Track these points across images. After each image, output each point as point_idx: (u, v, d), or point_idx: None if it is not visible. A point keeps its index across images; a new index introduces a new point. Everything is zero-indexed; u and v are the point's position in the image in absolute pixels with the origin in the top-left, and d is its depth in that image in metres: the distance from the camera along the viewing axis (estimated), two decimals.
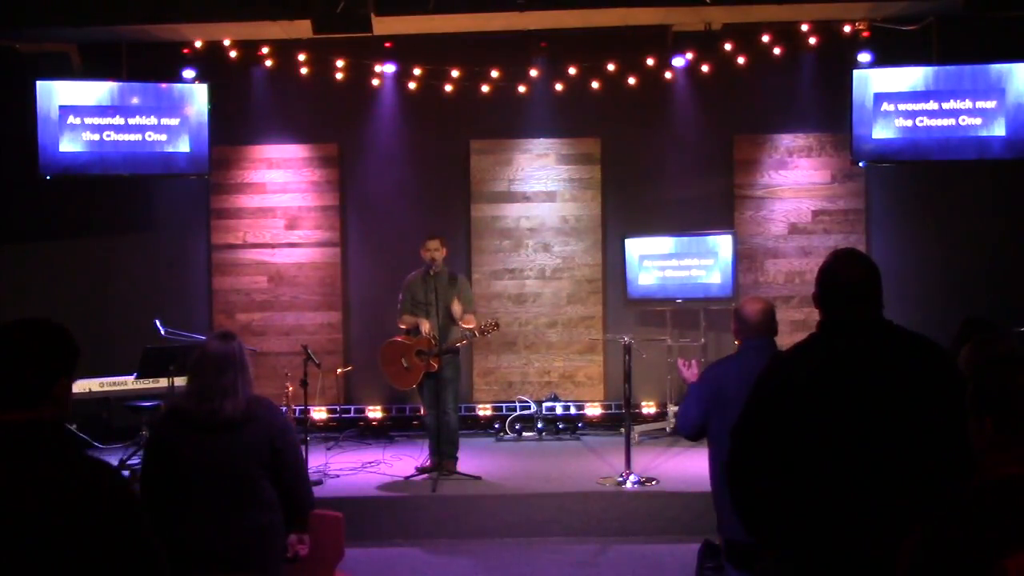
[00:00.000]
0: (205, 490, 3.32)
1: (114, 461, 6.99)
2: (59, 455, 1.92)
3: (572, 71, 8.38)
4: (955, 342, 4.26)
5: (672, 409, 8.45)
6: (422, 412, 7.58)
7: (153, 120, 8.05)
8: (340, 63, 8.37)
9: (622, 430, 6.98)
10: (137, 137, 8.03)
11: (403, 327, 7.09)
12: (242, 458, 3.36)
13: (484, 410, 8.76)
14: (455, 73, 8.38)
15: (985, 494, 1.81)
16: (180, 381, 6.61)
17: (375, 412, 8.73)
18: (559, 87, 8.48)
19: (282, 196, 8.89)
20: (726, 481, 2.59)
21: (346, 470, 7.17)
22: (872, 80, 7.82)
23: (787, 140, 8.71)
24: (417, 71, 8.42)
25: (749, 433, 2.53)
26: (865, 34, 7.97)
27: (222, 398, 3.33)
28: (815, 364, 2.50)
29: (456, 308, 6.88)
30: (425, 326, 6.84)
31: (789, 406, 2.45)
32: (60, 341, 2.00)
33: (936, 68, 7.81)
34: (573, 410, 8.67)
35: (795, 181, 8.69)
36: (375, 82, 8.54)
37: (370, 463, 7.36)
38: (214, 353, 3.40)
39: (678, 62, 8.10)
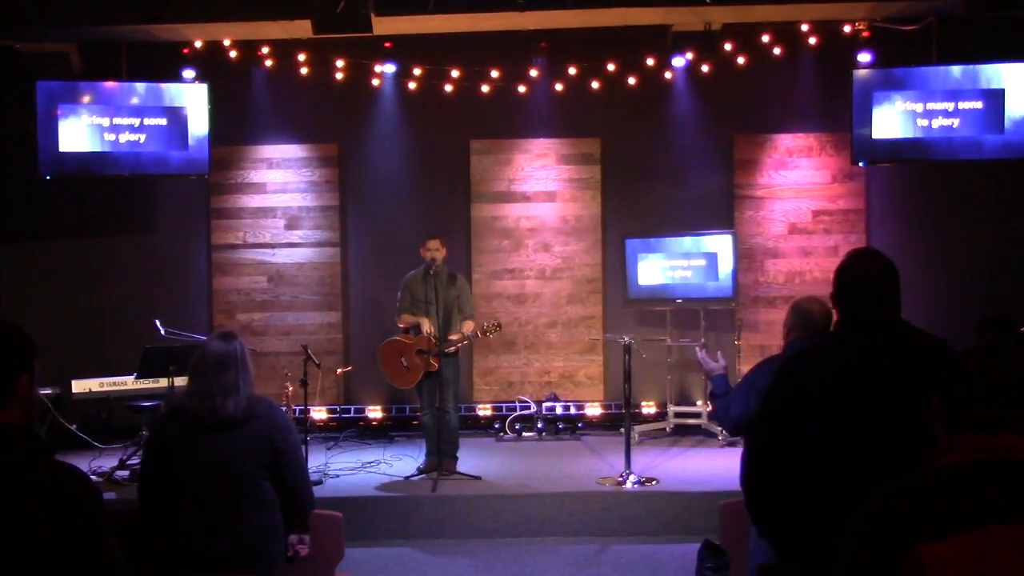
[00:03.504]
0: (206, 490, 3.31)
1: (114, 461, 6.99)
2: (29, 459, 1.90)
3: (572, 71, 8.38)
4: (976, 341, 4.24)
5: (672, 409, 8.45)
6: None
7: (153, 120, 8.05)
8: (340, 63, 8.37)
9: (622, 430, 6.97)
10: (137, 137, 8.03)
11: (402, 326, 7.09)
12: (243, 457, 3.36)
13: (484, 410, 8.76)
14: (455, 73, 8.38)
15: (918, 480, 1.86)
16: (180, 381, 6.60)
17: (375, 412, 8.73)
18: (559, 87, 8.48)
19: (282, 196, 8.89)
20: (740, 479, 2.58)
21: (346, 470, 7.17)
22: (872, 80, 7.82)
23: (787, 140, 8.71)
24: (417, 71, 8.42)
25: (765, 432, 2.51)
26: (865, 34, 7.97)
27: (223, 397, 3.34)
28: (833, 364, 2.49)
29: (465, 326, 6.96)
30: (426, 325, 6.84)
31: (806, 405, 2.44)
32: (17, 339, 1.95)
33: (936, 68, 7.81)
34: (573, 410, 8.67)
35: (795, 181, 8.69)
36: (375, 82, 8.54)
37: (370, 463, 7.36)
38: (215, 352, 3.40)
39: (678, 62, 8.10)
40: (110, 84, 8.01)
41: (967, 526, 1.74)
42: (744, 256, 8.57)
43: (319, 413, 8.58)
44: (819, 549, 2.39)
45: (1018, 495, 1.77)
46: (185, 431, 3.35)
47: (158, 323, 7.51)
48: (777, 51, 8.14)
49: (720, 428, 7.65)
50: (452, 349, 6.90)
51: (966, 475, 1.82)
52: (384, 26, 7.26)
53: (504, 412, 8.68)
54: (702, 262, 8.31)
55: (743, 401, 3.71)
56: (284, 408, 7.81)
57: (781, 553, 2.56)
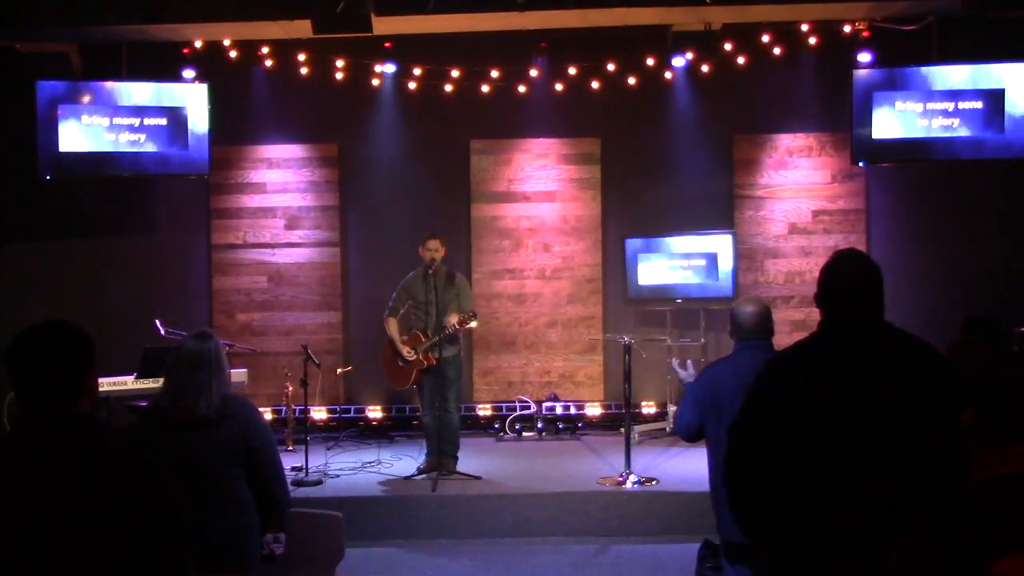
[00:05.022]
0: (181, 489, 3.31)
1: None
2: (105, 445, 2.03)
3: (572, 71, 8.38)
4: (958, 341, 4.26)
5: (672, 409, 8.45)
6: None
7: (153, 120, 8.05)
8: (340, 63, 8.37)
9: (622, 430, 6.97)
10: (137, 137, 8.03)
11: (387, 331, 7.06)
12: (217, 456, 3.36)
13: (484, 410, 8.76)
14: (455, 73, 8.38)
15: (974, 496, 1.81)
16: None
17: (375, 412, 8.73)
18: (559, 87, 8.48)
19: (282, 196, 8.89)
20: (723, 480, 2.59)
21: (346, 470, 7.17)
22: (872, 80, 7.82)
23: (787, 140, 8.70)
24: (417, 71, 8.42)
25: (747, 432, 2.52)
26: (865, 34, 7.97)
27: (196, 397, 3.35)
28: (815, 364, 2.49)
29: (456, 319, 6.87)
30: (406, 352, 6.88)
31: (788, 406, 2.45)
32: (85, 338, 2.12)
33: (936, 68, 7.81)
34: (573, 410, 8.67)
35: (795, 181, 8.69)
36: (375, 82, 8.54)
37: (370, 463, 7.36)
38: (189, 352, 3.43)
39: (678, 62, 8.10)
40: (110, 84, 8.01)
41: None
42: (744, 256, 8.57)
43: (319, 413, 8.58)
44: (800, 548, 2.41)
45: None
46: (160, 431, 3.37)
47: (158, 323, 7.52)
48: (777, 51, 8.14)
49: None
50: (454, 329, 6.87)
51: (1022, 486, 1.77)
52: (384, 26, 7.26)
53: (504, 412, 8.68)
54: (702, 262, 8.31)
55: (687, 411, 3.88)
56: (284, 408, 7.83)
57: (764, 552, 2.57)
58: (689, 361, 4.54)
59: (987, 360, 1.96)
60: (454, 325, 6.88)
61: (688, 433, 3.91)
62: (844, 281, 2.53)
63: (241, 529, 3.41)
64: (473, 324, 7.09)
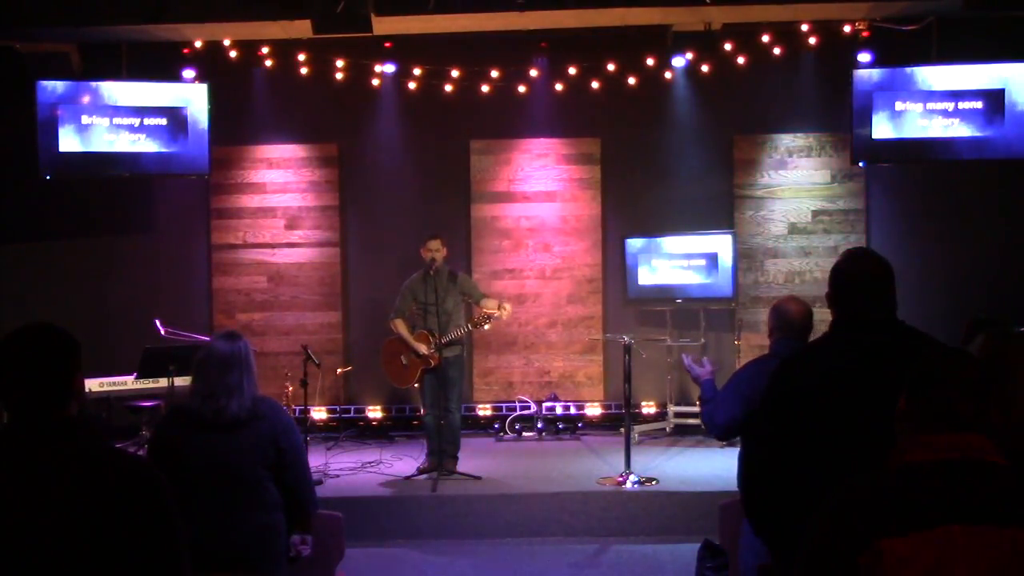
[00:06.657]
0: (209, 489, 3.31)
1: None
2: (96, 449, 2.02)
3: (572, 71, 8.38)
4: (963, 342, 4.24)
5: (672, 409, 8.45)
6: (422, 412, 7.59)
7: (152, 120, 8.05)
8: (340, 63, 8.37)
9: (622, 430, 6.98)
10: (137, 137, 8.03)
11: (395, 331, 7.07)
12: (246, 457, 3.36)
13: (484, 410, 8.76)
14: (455, 73, 8.38)
15: (884, 478, 1.86)
16: (180, 381, 6.62)
17: (375, 412, 8.73)
18: (559, 87, 8.48)
19: (282, 196, 8.89)
20: (738, 481, 2.59)
21: (346, 470, 7.17)
22: (872, 80, 7.82)
23: (787, 140, 8.70)
24: (417, 71, 8.42)
25: (763, 434, 2.51)
26: (865, 34, 7.97)
27: (227, 397, 3.34)
28: (829, 364, 2.49)
29: (486, 306, 6.97)
30: (422, 348, 6.88)
31: (802, 406, 2.44)
32: (71, 340, 2.10)
33: (936, 68, 7.81)
34: (573, 410, 8.67)
35: (795, 181, 8.69)
36: (375, 82, 8.54)
37: (370, 463, 7.36)
38: (220, 352, 3.41)
39: (678, 62, 8.10)
40: (110, 84, 8.00)
41: (928, 524, 1.74)
42: (744, 256, 8.57)
43: (319, 413, 8.58)
44: None
45: (979, 495, 1.77)
46: (189, 431, 3.35)
47: (158, 323, 7.52)
48: (777, 51, 8.14)
49: None
50: (487, 327, 6.96)
51: (929, 473, 1.82)
52: (384, 26, 7.25)
53: (504, 412, 8.68)
54: (702, 262, 8.31)
55: (728, 407, 3.72)
56: (284, 408, 7.81)
57: (778, 554, 2.56)
58: (705, 358, 4.45)
59: (928, 353, 2.00)
60: (488, 316, 6.90)
61: (729, 428, 3.73)
62: (855, 280, 2.53)
63: (269, 529, 3.41)
64: (505, 314, 6.99)
